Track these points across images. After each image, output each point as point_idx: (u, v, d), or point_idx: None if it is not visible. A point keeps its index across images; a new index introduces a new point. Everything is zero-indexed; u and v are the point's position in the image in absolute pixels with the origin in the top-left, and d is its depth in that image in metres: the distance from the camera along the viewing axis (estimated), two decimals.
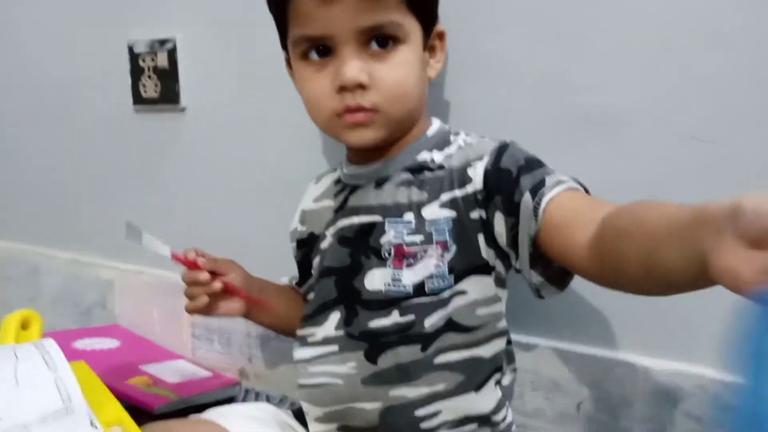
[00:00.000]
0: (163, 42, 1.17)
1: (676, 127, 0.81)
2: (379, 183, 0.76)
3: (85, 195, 1.38)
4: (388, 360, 0.71)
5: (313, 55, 0.70)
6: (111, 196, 1.34)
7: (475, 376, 0.71)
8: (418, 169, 0.74)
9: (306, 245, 0.85)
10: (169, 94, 1.18)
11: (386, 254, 0.72)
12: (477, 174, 0.70)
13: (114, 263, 1.34)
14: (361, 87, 0.68)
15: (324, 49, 0.70)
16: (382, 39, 0.69)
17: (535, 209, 0.63)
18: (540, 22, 0.86)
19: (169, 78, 1.17)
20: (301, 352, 0.79)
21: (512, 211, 0.66)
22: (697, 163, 0.80)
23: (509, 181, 0.67)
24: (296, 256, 0.89)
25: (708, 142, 0.79)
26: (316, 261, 0.81)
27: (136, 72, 1.21)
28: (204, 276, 0.80)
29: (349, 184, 0.79)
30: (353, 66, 0.67)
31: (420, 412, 0.70)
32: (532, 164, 0.68)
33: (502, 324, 0.74)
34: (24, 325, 0.72)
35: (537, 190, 0.64)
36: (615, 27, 0.83)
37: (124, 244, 1.30)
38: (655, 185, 0.82)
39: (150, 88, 1.20)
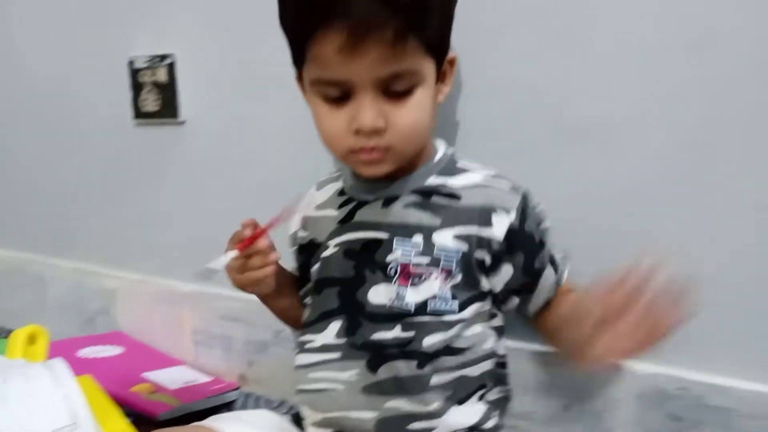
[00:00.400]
0: (162, 57, 1.20)
1: (664, 135, 0.84)
2: (387, 202, 0.78)
3: (88, 206, 1.41)
4: (386, 371, 0.75)
5: (330, 94, 0.70)
6: (113, 207, 1.37)
7: (460, 391, 0.76)
8: (428, 193, 0.77)
9: (306, 251, 0.87)
10: (168, 108, 1.21)
11: (392, 271, 0.75)
12: (501, 225, 0.75)
13: (117, 272, 1.37)
14: (377, 131, 0.69)
15: (342, 90, 0.70)
16: (400, 84, 0.69)
17: (557, 283, 0.81)
18: (530, 35, 0.89)
19: (168, 92, 1.20)
20: (301, 358, 0.83)
21: (531, 275, 0.78)
22: (686, 169, 0.83)
23: (533, 246, 0.78)
24: (295, 260, 0.91)
25: (695, 150, 0.82)
26: (315, 268, 0.83)
27: (137, 87, 1.24)
28: (264, 243, 0.77)
29: (356, 198, 0.81)
30: (371, 112, 0.68)
31: (415, 426, 0.75)
32: (545, 234, 0.80)
33: (490, 345, 0.79)
34: (31, 340, 0.75)
35: (555, 267, 0.80)
36: (603, 39, 0.86)
37: (127, 253, 1.35)
38: (645, 192, 0.86)
39: (150, 102, 1.23)
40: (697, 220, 0.84)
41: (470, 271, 0.75)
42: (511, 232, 0.75)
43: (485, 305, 0.78)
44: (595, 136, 0.87)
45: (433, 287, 0.74)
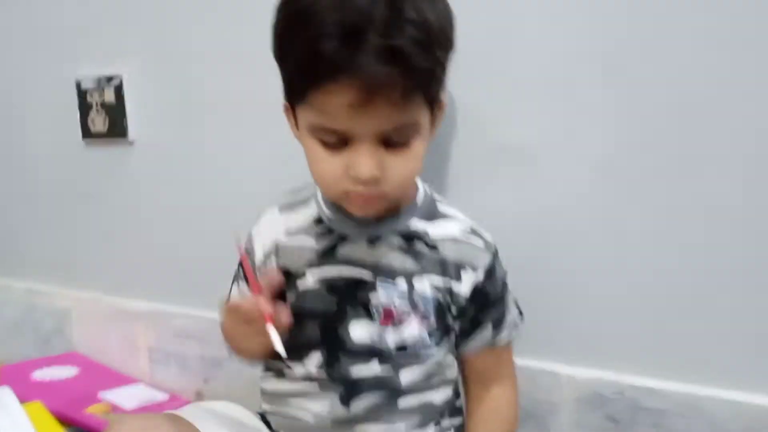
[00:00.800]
0: (110, 78, 1.20)
1: (583, 158, 0.88)
2: (372, 240, 0.78)
3: (38, 226, 1.41)
4: (360, 404, 0.78)
5: (328, 140, 0.68)
6: (64, 226, 1.37)
7: (425, 416, 0.80)
8: (411, 237, 0.78)
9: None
10: (117, 128, 1.22)
11: (375, 312, 0.76)
12: (467, 282, 0.78)
13: (70, 291, 1.37)
14: (374, 181, 0.68)
15: (341, 138, 0.67)
16: (399, 136, 0.68)
17: (491, 342, 0.82)
18: (458, 61, 0.92)
19: (116, 113, 1.21)
20: (277, 384, 0.83)
21: (474, 323, 0.80)
22: (604, 191, 0.88)
23: (488, 302, 0.80)
24: (254, 282, 0.86)
25: (612, 172, 0.87)
26: (291, 298, 0.81)
27: (84, 107, 1.24)
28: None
29: (337, 230, 0.79)
30: (370, 163, 0.66)
31: None
32: (504, 292, 0.82)
33: (452, 372, 0.83)
34: None
35: (499, 326, 0.82)
36: (526, 66, 0.90)
37: (80, 273, 1.35)
38: (566, 212, 0.90)
39: (98, 122, 1.23)
40: (617, 239, 0.88)
41: (443, 316, 0.78)
42: (475, 289, 0.78)
43: (451, 337, 0.81)
44: (519, 158, 0.92)
45: (413, 330, 0.77)
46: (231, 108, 1.12)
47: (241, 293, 0.87)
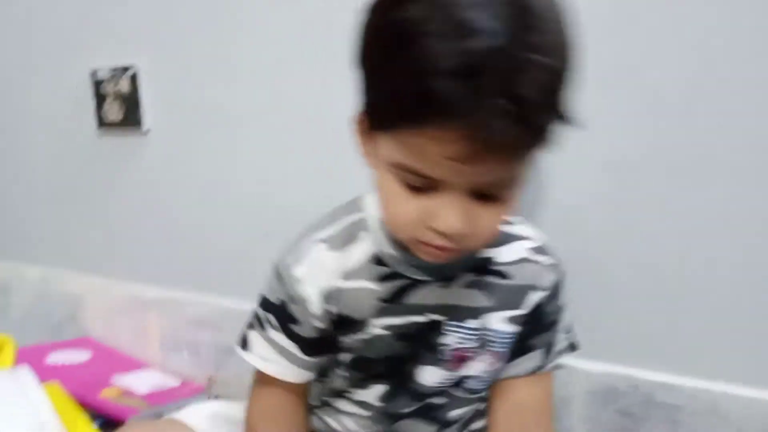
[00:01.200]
0: (125, 69, 1.20)
1: (596, 157, 0.88)
2: (445, 281, 0.69)
3: (53, 213, 1.41)
4: (400, 428, 0.75)
5: (412, 182, 0.57)
6: (77, 213, 1.37)
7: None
8: (482, 269, 0.70)
9: (333, 325, 0.72)
10: (131, 117, 1.22)
11: (444, 355, 0.71)
12: (532, 301, 0.72)
13: (83, 278, 1.37)
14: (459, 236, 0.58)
15: (428, 183, 0.56)
16: (497, 189, 0.57)
17: (534, 371, 0.75)
18: None
19: (131, 102, 1.21)
20: (331, 400, 0.78)
21: (524, 346, 0.74)
22: (618, 188, 0.87)
23: (542, 325, 0.74)
24: (306, 333, 0.71)
25: (625, 172, 0.86)
26: (353, 345, 0.72)
27: (100, 97, 1.24)
28: None
29: (402, 274, 0.68)
30: (458, 218, 0.56)
31: None
32: (560, 316, 0.76)
33: None
34: None
35: (548, 353, 0.75)
36: None
37: (93, 260, 1.36)
38: (581, 211, 0.90)
39: (113, 112, 1.23)
40: (631, 233, 0.88)
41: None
42: (536, 308, 0.73)
43: None
44: None
45: (478, 368, 0.73)
46: (246, 98, 1.12)
47: (274, 345, 0.73)
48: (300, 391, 0.76)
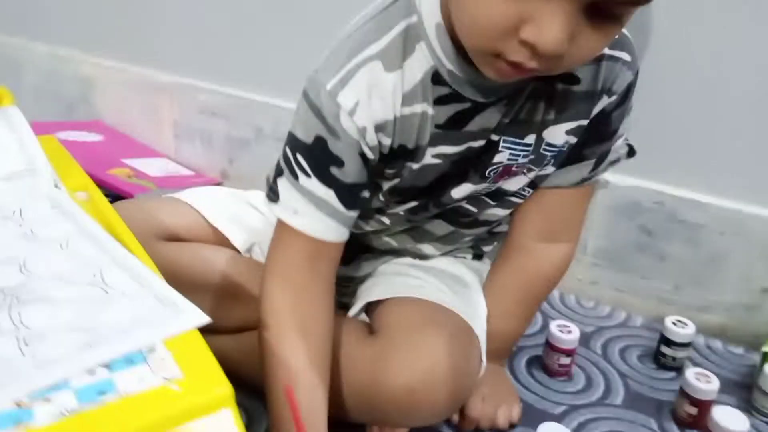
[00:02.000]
0: None
1: None
2: (509, 98, 0.59)
3: None
4: (431, 226, 0.72)
5: None
6: None
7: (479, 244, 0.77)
8: (550, 76, 0.56)
9: (381, 160, 0.61)
10: None
11: (492, 173, 0.63)
12: (598, 107, 0.62)
13: (95, 58, 1.32)
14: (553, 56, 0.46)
15: None
16: (617, 7, 0.46)
17: (581, 180, 0.67)
18: None
19: None
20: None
21: (575, 155, 0.65)
22: None
23: (601, 134, 0.64)
24: (348, 179, 0.59)
25: None
26: (392, 173, 0.64)
27: None
28: None
29: (464, 96, 0.58)
30: (562, 30, 0.44)
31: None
32: (619, 128, 0.65)
33: None
34: None
35: (597, 165, 0.66)
36: None
37: (105, 40, 1.29)
38: None
39: None
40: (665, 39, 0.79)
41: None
42: (601, 114, 0.62)
43: None
44: None
45: (519, 183, 0.66)
46: None
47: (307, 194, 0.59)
48: (332, 267, 0.64)
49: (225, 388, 0.37)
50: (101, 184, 1.02)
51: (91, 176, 1.03)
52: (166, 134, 1.26)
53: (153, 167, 1.18)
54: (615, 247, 0.93)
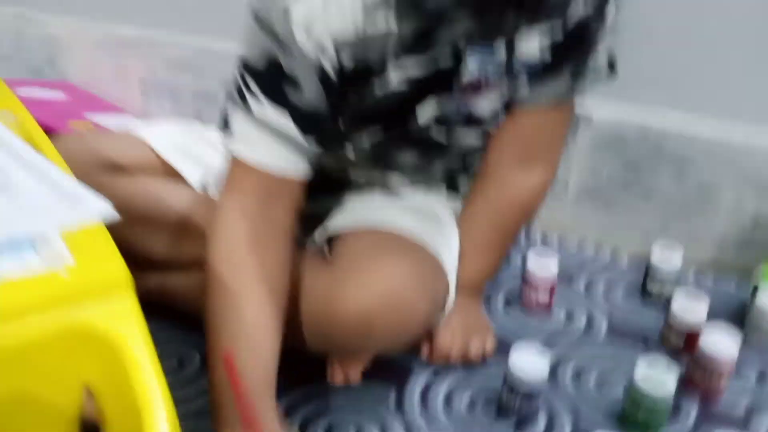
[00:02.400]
0: None
1: None
2: (479, 6, 0.54)
3: None
4: (396, 154, 0.67)
5: None
6: None
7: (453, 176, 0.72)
8: None
9: (341, 82, 0.57)
10: None
11: (458, 86, 0.58)
12: (576, 15, 0.57)
13: (61, 18, 1.27)
14: None
15: None
16: None
17: (555, 99, 0.63)
18: None
19: None
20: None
21: (551, 68, 0.60)
22: None
23: (577, 45, 0.60)
24: (305, 103, 0.55)
25: None
26: (358, 99, 0.59)
27: None
28: None
29: (432, 7, 0.54)
30: None
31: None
32: (598, 40, 0.60)
33: None
34: None
35: (576, 75, 0.61)
36: None
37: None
38: None
39: None
40: None
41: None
42: (578, 23, 0.58)
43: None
44: None
45: (493, 101, 0.61)
46: None
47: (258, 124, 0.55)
48: (290, 210, 0.58)
49: (119, 273, 0.34)
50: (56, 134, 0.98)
51: (47, 126, 0.99)
52: (134, 92, 1.21)
53: (115, 121, 1.13)
54: (598, 185, 0.88)
